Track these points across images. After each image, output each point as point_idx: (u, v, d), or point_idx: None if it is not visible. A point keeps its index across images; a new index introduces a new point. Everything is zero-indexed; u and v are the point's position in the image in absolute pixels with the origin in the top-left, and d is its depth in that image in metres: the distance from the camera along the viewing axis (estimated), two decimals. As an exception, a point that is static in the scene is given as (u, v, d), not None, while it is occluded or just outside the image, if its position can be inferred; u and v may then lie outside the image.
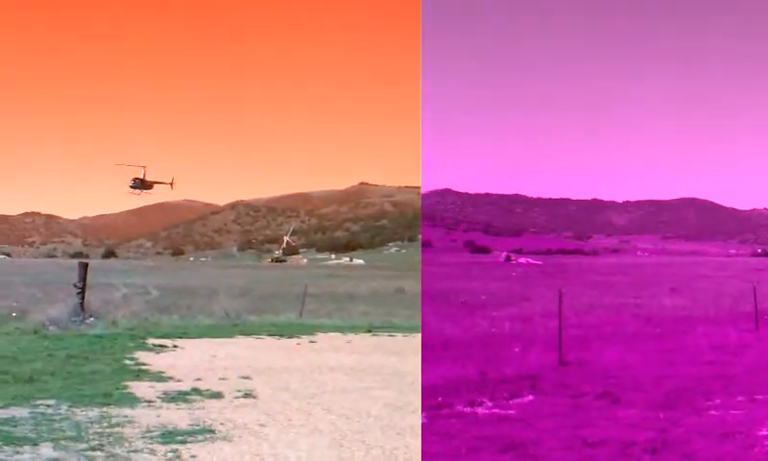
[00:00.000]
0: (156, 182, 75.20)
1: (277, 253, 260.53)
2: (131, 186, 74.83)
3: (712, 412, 14.65)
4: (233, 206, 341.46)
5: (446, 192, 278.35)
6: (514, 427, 13.30)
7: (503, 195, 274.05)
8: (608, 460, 11.56)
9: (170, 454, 12.04)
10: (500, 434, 12.80)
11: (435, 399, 15.46)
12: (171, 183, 76.46)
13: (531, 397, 15.86)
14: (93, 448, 12.17)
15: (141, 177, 73.62)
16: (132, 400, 15.95)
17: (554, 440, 12.48)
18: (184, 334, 27.80)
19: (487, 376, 17.88)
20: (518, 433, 12.86)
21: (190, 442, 12.76)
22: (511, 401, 15.42)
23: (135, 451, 12.13)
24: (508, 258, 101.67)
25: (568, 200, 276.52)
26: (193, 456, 12.01)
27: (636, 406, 14.99)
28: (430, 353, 21.10)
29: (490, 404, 15.13)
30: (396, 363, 22.36)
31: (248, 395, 17.03)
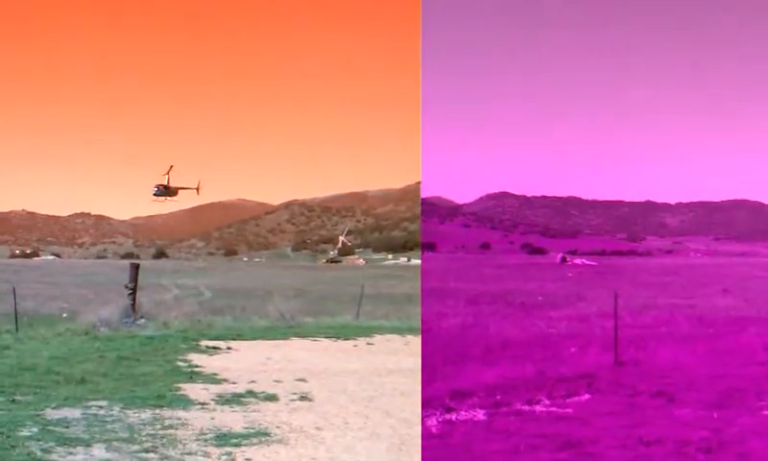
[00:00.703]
0: (181, 188, 72.97)
1: (333, 253, 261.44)
2: (153, 194, 72.79)
3: (765, 412, 14.91)
4: (288, 205, 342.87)
5: (504, 195, 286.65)
6: (571, 426, 13.79)
7: (559, 197, 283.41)
8: (664, 459, 11.86)
9: (224, 457, 12.21)
10: (558, 432, 13.28)
11: (494, 396, 15.97)
12: (197, 188, 74.46)
13: (588, 396, 16.47)
14: (146, 450, 12.39)
15: (165, 183, 71.70)
16: (186, 403, 16.18)
17: (611, 438, 12.89)
18: (238, 336, 28.05)
19: (545, 375, 18.43)
20: (576, 432, 13.32)
21: (245, 445, 12.92)
22: (568, 400, 16.00)
23: (189, 454, 12.31)
24: (564, 260, 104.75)
25: (622, 202, 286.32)
26: (248, 459, 12.17)
27: (690, 406, 15.39)
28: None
29: (547, 403, 15.70)
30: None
31: (304, 397, 17.17)
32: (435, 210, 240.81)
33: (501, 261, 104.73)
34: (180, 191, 72.76)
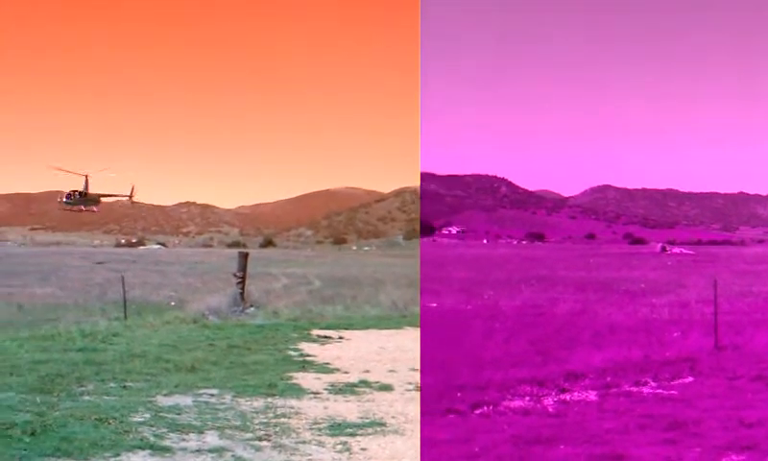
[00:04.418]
0: (106, 195, 62.77)
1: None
2: (64, 202, 61.68)
3: None
4: (398, 193, 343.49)
5: (607, 188, 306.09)
6: (676, 407, 14.80)
7: (658, 190, 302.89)
8: (764, 440, 12.38)
9: (339, 447, 12.39)
10: (664, 413, 14.23)
11: (604, 378, 17.15)
12: (130, 196, 63.97)
13: (690, 378, 17.67)
14: (259, 439, 12.67)
15: (82, 190, 60.14)
16: (298, 392, 16.48)
17: (713, 420, 13.63)
18: (350, 325, 28.38)
19: (650, 358, 19.65)
20: (680, 413, 14.19)
21: (360, 435, 13.09)
22: (672, 382, 17.17)
23: (303, 443, 12.54)
24: (663, 249, 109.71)
25: (717, 193, 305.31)
26: (363, 449, 12.32)
27: (788, 389, 16.26)
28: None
29: (653, 385, 16.89)
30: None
31: (419, 388, 17.26)
32: (542, 203, 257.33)
33: (605, 251, 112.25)
34: (104, 198, 62.34)
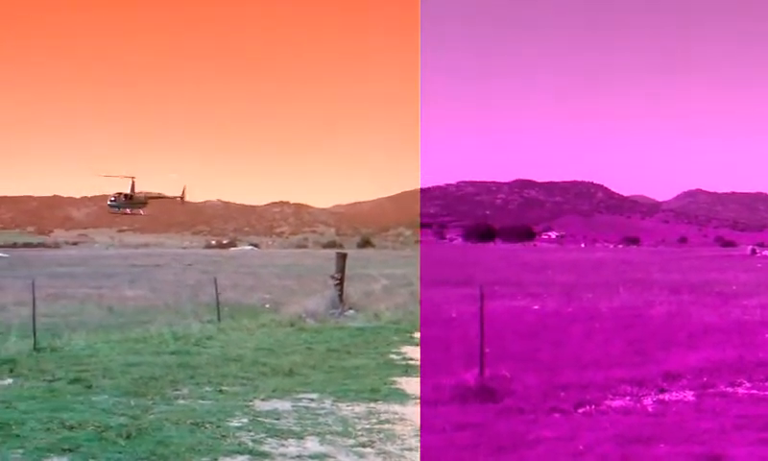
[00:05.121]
0: (153, 197, 61.16)
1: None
2: (109, 205, 61.08)
3: None
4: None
5: (698, 192, 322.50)
6: None
7: (747, 194, 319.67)
8: None
9: (447, 454, 12.24)
10: (760, 413, 14.76)
11: (701, 378, 17.85)
12: (182, 197, 61.56)
13: None
14: (363, 445, 12.62)
15: (128, 192, 58.90)
16: (402, 397, 16.39)
17: None
18: (454, 328, 28.18)
19: (744, 359, 20.18)
20: None
21: (470, 442, 12.91)
22: (766, 383, 17.68)
23: (409, 450, 12.44)
24: (753, 252, 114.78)
25: None
26: (474, 457, 12.15)
27: None
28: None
29: (748, 385, 17.47)
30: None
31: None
32: (637, 207, 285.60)
33: (697, 254, 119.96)
34: (151, 200, 60.68)
